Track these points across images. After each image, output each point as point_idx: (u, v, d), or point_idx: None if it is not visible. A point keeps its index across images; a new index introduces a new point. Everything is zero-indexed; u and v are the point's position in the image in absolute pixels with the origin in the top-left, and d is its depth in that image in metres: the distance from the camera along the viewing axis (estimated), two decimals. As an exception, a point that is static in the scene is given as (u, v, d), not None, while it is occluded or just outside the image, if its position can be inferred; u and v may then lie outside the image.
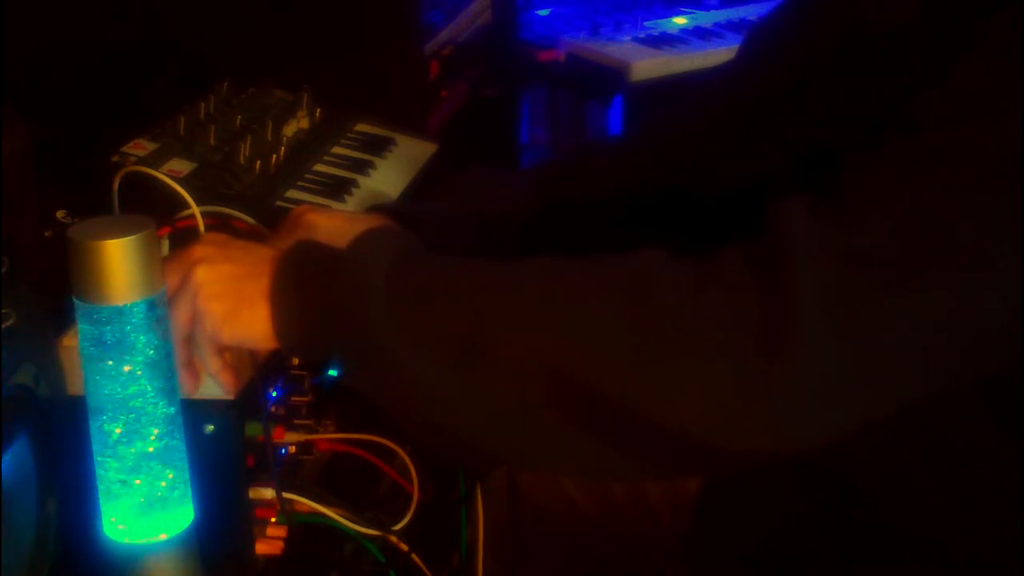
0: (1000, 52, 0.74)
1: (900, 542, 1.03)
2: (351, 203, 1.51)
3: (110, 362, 0.78)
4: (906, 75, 0.83)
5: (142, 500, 0.82)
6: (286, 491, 1.08)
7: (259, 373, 1.01)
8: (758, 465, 0.77)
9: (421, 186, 1.63)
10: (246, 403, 1.00)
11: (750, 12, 2.88)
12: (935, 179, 0.73)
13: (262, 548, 1.08)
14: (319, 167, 1.61)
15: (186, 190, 1.19)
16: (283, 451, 1.18)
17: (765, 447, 0.71)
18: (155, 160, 1.45)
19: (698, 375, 0.65)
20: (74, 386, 0.91)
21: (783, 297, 0.68)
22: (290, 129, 1.65)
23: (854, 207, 0.74)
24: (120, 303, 0.77)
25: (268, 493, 1.08)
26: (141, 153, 1.47)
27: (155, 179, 1.28)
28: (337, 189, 1.54)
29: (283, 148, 1.57)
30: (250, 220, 1.24)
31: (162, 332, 0.80)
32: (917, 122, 0.77)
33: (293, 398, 1.20)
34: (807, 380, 0.69)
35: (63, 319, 0.91)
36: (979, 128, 0.73)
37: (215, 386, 0.94)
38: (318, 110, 1.75)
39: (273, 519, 1.10)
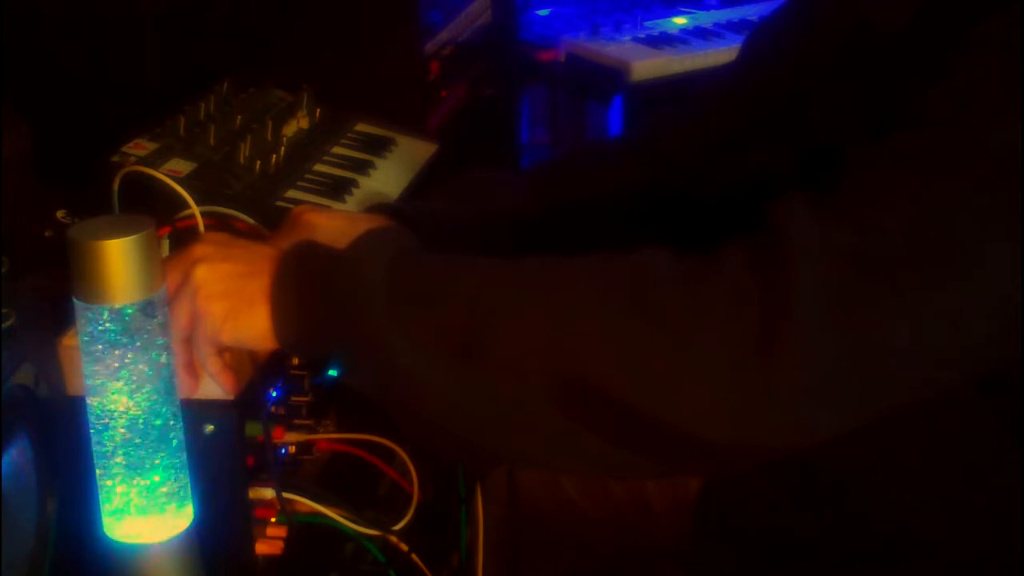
0: (1000, 51, 0.74)
1: (900, 542, 1.03)
2: (351, 203, 1.51)
3: (110, 362, 0.78)
4: (906, 74, 0.83)
5: (142, 500, 0.82)
6: (286, 491, 1.08)
7: (259, 373, 1.01)
8: (756, 463, 0.77)
9: (421, 186, 1.63)
10: (246, 403, 1.00)
11: (750, 12, 2.87)
12: (935, 178, 0.74)
13: (262, 548, 1.08)
14: (319, 167, 1.61)
15: (186, 190, 1.20)
16: (283, 451, 1.18)
17: (762, 443, 0.71)
18: (155, 160, 1.45)
19: (696, 370, 0.65)
20: (74, 386, 0.91)
21: (782, 295, 0.68)
22: (290, 129, 1.65)
23: (855, 206, 0.74)
24: (120, 303, 0.77)
25: (268, 493, 1.08)
26: (141, 153, 1.47)
27: (155, 179, 1.29)
28: (337, 189, 1.54)
29: (283, 148, 1.57)
30: (250, 220, 1.24)
31: (162, 332, 0.80)
32: (917, 121, 0.77)
33: (293, 398, 1.20)
34: (805, 378, 0.69)
35: (63, 319, 0.91)
36: (980, 127, 0.73)
37: (215, 386, 0.94)
38: (318, 110, 1.75)
39: (273, 519, 1.10)
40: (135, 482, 0.81)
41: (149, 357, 0.79)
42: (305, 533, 1.13)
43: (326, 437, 1.25)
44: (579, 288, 0.70)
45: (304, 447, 1.22)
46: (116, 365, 0.78)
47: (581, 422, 0.67)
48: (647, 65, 2.60)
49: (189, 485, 0.87)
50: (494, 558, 1.32)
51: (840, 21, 0.96)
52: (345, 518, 1.14)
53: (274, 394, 1.12)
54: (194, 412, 0.93)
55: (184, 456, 0.85)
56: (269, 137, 1.59)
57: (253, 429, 1.03)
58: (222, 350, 0.91)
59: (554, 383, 0.66)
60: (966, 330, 0.73)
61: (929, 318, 0.72)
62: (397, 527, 1.19)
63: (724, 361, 0.68)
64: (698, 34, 2.77)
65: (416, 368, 0.72)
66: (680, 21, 2.83)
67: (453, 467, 1.30)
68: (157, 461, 0.82)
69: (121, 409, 0.79)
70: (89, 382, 0.80)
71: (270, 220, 1.25)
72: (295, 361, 1.18)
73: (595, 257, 0.72)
